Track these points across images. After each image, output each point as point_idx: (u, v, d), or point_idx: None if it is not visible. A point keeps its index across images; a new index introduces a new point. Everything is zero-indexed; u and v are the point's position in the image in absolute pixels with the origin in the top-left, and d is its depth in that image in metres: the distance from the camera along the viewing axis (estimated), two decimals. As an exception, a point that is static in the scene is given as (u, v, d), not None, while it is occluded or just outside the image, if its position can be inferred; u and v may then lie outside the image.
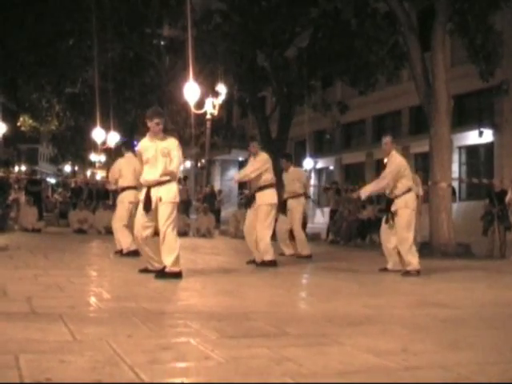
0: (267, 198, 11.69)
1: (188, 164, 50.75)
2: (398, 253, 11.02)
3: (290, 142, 35.39)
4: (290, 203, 14.30)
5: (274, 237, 13.11)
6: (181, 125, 32.72)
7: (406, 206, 10.79)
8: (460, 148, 31.05)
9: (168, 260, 8.85)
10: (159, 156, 9.07)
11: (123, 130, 37.42)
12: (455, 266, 13.04)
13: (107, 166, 47.03)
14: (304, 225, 16.65)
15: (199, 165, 48.00)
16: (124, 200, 12.81)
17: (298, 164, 41.69)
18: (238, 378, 3.68)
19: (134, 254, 12.01)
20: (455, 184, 25.08)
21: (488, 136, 29.22)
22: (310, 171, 42.82)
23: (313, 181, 43.14)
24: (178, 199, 9.14)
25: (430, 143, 16.81)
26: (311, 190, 41.32)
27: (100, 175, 49.62)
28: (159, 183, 9.03)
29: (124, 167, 13.10)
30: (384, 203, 12.92)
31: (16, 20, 29.64)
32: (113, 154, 33.84)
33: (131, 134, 40.24)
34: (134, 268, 9.63)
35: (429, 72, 16.85)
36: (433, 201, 16.49)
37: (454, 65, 27.60)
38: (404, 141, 34.08)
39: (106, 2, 27.01)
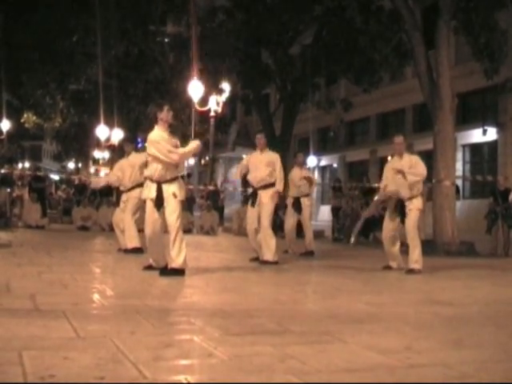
0: (271, 196, 11.69)
1: (191, 161, 50.75)
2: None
3: (294, 139, 35.38)
4: (302, 201, 14.35)
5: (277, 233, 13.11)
6: (184, 122, 32.71)
7: (419, 207, 10.93)
8: (464, 146, 31.00)
9: (179, 259, 8.80)
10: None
11: (127, 126, 37.42)
12: (459, 264, 13.03)
13: (111, 162, 47.08)
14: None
15: (203, 162, 48.02)
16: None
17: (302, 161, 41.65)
18: (241, 375, 3.68)
19: (138, 251, 12.03)
20: (459, 182, 25.06)
21: (492, 134, 29.16)
22: (314, 169, 42.80)
23: (316, 179, 43.14)
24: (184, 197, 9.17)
25: (434, 141, 16.78)
26: (315, 189, 41.37)
27: (104, 172, 49.59)
28: (171, 179, 8.99)
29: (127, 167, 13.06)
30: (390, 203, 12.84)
31: (20, 17, 29.67)
32: (116, 151, 33.83)
33: (135, 131, 40.25)
34: (138, 265, 9.63)
35: (433, 70, 16.82)
36: (436, 199, 16.46)
37: (458, 63, 27.56)
38: (408, 139, 33.72)
39: (110, -1, 27.05)
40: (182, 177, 9.71)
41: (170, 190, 8.90)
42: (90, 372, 3.57)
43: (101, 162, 54.52)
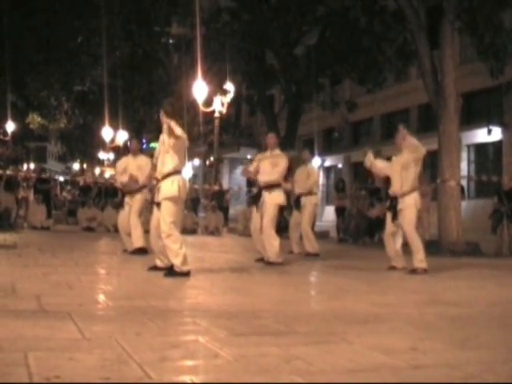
0: (276, 198, 11.63)
1: (196, 162, 50.80)
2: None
3: (298, 139, 35.37)
4: (303, 200, 14.30)
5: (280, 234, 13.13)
6: (189, 123, 32.74)
7: (414, 205, 10.72)
8: (469, 146, 30.98)
9: (178, 263, 8.80)
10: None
11: (131, 128, 37.47)
12: (464, 265, 13.02)
13: (116, 164, 47.08)
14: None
15: (207, 163, 48.02)
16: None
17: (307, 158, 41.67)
18: (246, 376, 3.68)
19: (142, 251, 12.06)
20: (464, 182, 25.04)
21: (497, 134, 29.15)
22: (318, 169, 42.77)
23: (321, 179, 43.12)
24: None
25: (439, 141, 16.78)
26: (320, 189, 41.36)
27: (109, 173, 49.65)
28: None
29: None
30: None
31: (26, 18, 29.72)
32: (121, 152, 33.86)
33: (139, 132, 40.27)
34: (143, 266, 9.64)
35: (437, 70, 16.82)
36: (441, 199, 16.46)
37: (463, 63, 27.55)
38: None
39: (114, 0, 27.04)
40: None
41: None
42: (95, 373, 3.57)
43: (106, 163, 54.59)
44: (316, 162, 40.69)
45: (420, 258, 10.62)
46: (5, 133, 37.70)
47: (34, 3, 29.59)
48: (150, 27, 29.30)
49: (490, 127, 29.02)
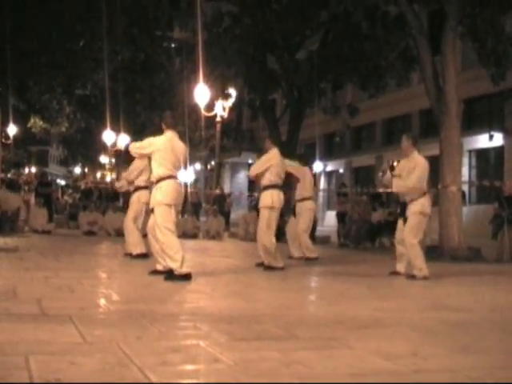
0: (265, 200, 11.52)
1: (198, 166, 50.84)
2: None
3: (300, 144, 35.32)
4: (299, 206, 14.25)
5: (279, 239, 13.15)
6: (191, 127, 32.75)
7: (420, 211, 10.61)
8: (470, 151, 30.99)
9: (176, 266, 8.84)
10: None
11: (133, 132, 37.47)
12: (465, 270, 13.02)
13: (117, 167, 47.16)
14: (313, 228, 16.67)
15: (209, 167, 48.07)
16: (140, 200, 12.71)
17: (308, 167, 41.65)
18: (247, 380, 3.68)
19: (143, 256, 12.05)
20: (465, 188, 25.05)
21: (498, 140, 29.16)
22: (320, 174, 42.78)
23: (322, 184, 43.13)
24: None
25: (440, 147, 16.77)
26: (321, 194, 41.41)
27: (110, 177, 49.74)
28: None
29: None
30: (393, 206, 12.84)
31: (28, 22, 29.77)
32: (122, 156, 33.89)
33: (141, 136, 40.21)
34: (144, 270, 9.64)
35: (439, 75, 16.83)
36: (443, 204, 16.44)
37: (465, 68, 27.55)
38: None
39: (116, 4, 27.06)
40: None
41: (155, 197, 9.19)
42: (96, 376, 3.58)
43: (107, 167, 54.64)
44: (318, 166, 40.76)
45: (419, 267, 10.53)
46: (7, 136, 37.68)
47: (36, 7, 29.63)
48: (151, 31, 29.34)
49: (492, 133, 29.03)
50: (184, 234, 19.24)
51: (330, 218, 35.42)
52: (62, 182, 55.70)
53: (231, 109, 29.17)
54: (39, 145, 75.72)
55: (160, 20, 28.15)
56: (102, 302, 6.68)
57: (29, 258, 11.74)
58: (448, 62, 16.55)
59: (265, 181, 11.58)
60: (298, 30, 24.66)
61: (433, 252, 15.82)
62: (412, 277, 10.45)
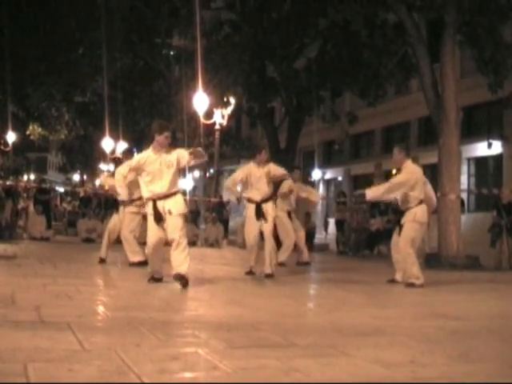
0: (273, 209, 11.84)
1: (197, 174, 50.78)
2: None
3: (299, 152, 35.38)
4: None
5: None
6: (189, 135, 32.76)
7: (414, 220, 10.62)
8: (469, 159, 30.98)
9: (182, 268, 8.90)
10: (164, 168, 9.15)
11: (132, 139, 37.49)
12: (464, 278, 13.02)
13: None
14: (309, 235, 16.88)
15: (208, 175, 48.05)
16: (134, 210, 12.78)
17: (308, 174, 41.74)
18: (245, 388, 3.68)
19: (143, 264, 12.05)
20: (464, 195, 25.04)
21: (497, 148, 29.16)
22: (319, 182, 42.77)
23: (321, 192, 43.11)
24: (186, 210, 9.32)
25: (439, 154, 16.79)
26: (320, 202, 41.39)
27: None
28: (166, 196, 9.13)
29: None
30: (392, 214, 12.91)
31: (27, 29, 29.78)
32: (120, 164, 33.88)
33: (140, 144, 40.23)
34: (142, 277, 9.63)
35: (438, 83, 16.86)
36: (441, 212, 16.45)
37: (463, 76, 27.60)
38: (413, 152, 33.93)
39: (115, 12, 27.09)
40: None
41: (166, 206, 9.17)
42: (94, 384, 3.58)
43: (106, 174, 54.60)
44: (316, 174, 40.78)
45: (416, 275, 10.53)
46: (5, 143, 37.70)
47: (35, 14, 29.65)
48: (151, 39, 29.36)
49: (491, 141, 29.03)
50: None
51: (329, 226, 35.41)
52: (61, 189, 55.66)
53: (230, 116, 29.17)
54: (38, 152, 75.72)
55: (159, 27, 28.20)
56: (101, 309, 6.67)
57: (27, 265, 11.72)
58: (447, 70, 16.58)
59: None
60: (296, 38, 24.72)
61: (431, 260, 15.85)
62: (411, 285, 10.44)
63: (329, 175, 43.59)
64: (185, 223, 9.32)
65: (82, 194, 34.80)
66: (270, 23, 24.26)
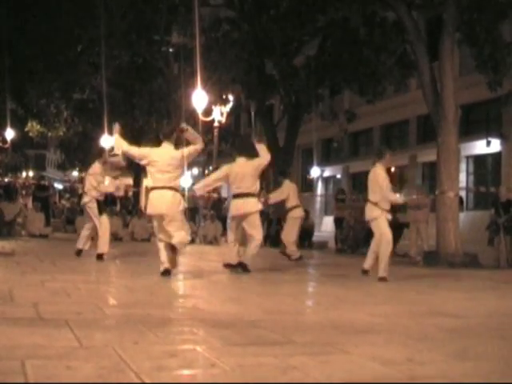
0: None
1: (195, 171, 50.80)
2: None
3: (298, 150, 35.39)
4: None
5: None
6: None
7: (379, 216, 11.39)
8: (467, 157, 30.97)
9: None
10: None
11: (131, 136, 37.43)
12: (462, 276, 13.02)
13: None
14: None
15: (206, 172, 48.06)
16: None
17: (306, 172, 41.76)
18: (243, 386, 3.68)
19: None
20: (462, 193, 25.04)
21: (496, 146, 29.14)
22: (317, 179, 42.77)
23: (320, 189, 43.11)
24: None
25: (438, 152, 16.78)
26: (318, 199, 41.43)
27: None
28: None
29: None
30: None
31: (26, 27, 29.75)
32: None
33: (139, 141, 40.18)
34: (141, 275, 9.65)
35: (437, 81, 16.84)
36: (440, 210, 16.44)
37: (462, 74, 27.57)
38: (411, 150, 34.05)
39: (114, 9, 27.06)
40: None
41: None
42: (92, 381, 3.57)
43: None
44: (315, 172, 40.75)
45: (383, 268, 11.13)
46: (4, 140, 37.65)
47: (34, 11, 29.61)
48: (149, 36, 29.32)
49: (489, 139, 29.02)
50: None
51: (328, 224, 35.42)
52: (60, 186, 55.58)
53: (229, 114, 29.18)
54: (37, 149, 75.74)
55: (158, 25, 28.16)
56: (99, 306, 6.66)
57: (25, 261, 11.73)
58: (446, 68, 16.57)
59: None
60: (295, 35, 24.70)
61: (430, 258, 15.85)
62: (382, 279, 11.00)
63: (327, 173, 43.54)
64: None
65: (80, 191, 34.73)
66: (268, 20, 24.23)
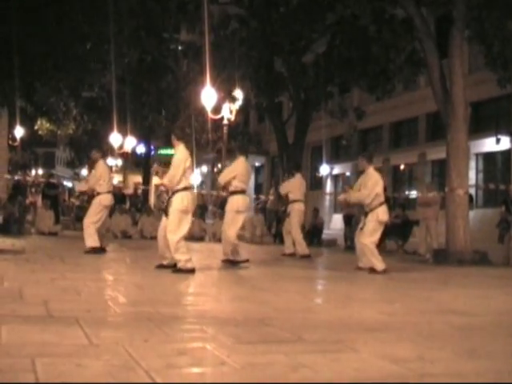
0: (230, 204, 12.92)
1: (204, 169, 50.87)
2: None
3: (307, 147, 35.33)
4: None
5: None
6: (198, 130, 32.73)
7: (375, 219, 12.20)
8: (477, 155, 30.93)
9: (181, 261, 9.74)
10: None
11: (140, 134, 37.52)
12: (472, 274, 13.00)
13: (124, 170, 47.19)
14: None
15: (215, 170, 48.11)
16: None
17: (315, 170, 41.76)
18: (253, 384, 3.68)
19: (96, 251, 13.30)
20: (472, 191, 24.98)
21: (505, 143, 29.08)
22: (327, 177, 42.75)
23: (329, 187, 43.09)
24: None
25: (447, 150, 16.74)
26: (327, 197, 41.43)
27: (117, 179, 49.78)
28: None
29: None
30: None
31: (35, 24, 29.79)
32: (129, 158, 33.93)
33: (148, 139, 40.31)
34: (150, 272, 9.66)
35: (446, 78, 16.80)
36: (449, 208, 16.41)
37: (472, 71, 27.53)
38: (421, 147, 34.01)
39: (123, 7, 27.07)
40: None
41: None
42: (102, 379, 3.58)
43: (114, 169, 54.65)
44: (324, 169, 40.75)
45: (373, 263, 11.84)
46: (13, 138, 37.73)
47: (43, 9, 29.65)
48: (159, 34, 29.33)
49: (499, 136, 28.96)
50: (191, 237, 19.24)
51: (337, 222, 35.39)
52: (69, 184, 55.71)
53: (238, 111, 29.16)
54: (46, 147, 75.84)
55: (167, 22, 28.16)
56: (109, 304, 6.67)
57: (35, 259, 11.75)
58: (455, 65, 16.52)
59: (232, 187, 12.72)
60: (304, 33, 24.65)
61: (439, 255, 15.82)
62: (372, 270, 11.73)
63: (337, 170, 43.54)
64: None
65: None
66: (277, 18, 24.20)
